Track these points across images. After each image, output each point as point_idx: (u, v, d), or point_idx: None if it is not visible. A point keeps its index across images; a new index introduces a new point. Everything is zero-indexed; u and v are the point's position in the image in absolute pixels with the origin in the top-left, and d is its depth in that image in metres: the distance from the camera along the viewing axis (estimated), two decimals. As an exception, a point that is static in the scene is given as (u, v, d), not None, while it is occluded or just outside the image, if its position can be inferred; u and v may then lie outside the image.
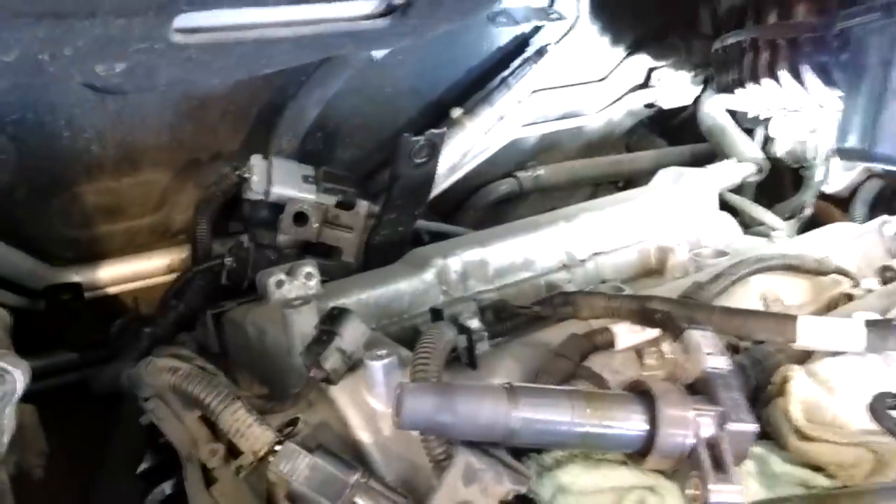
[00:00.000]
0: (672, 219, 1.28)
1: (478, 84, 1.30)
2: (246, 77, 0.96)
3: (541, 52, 1.28)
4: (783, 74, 1.08)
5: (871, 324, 0.79)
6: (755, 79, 1.15)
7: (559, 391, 0.67)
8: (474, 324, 0.86)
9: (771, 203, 1.49)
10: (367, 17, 0.76)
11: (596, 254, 1.20)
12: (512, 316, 0.97)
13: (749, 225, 1.44)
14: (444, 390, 0.62)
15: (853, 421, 0.75)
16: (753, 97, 1.21)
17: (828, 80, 1.03)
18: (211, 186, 1.21)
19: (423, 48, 1.17)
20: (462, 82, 1.29)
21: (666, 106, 1.62)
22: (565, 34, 1.31)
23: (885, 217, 1.16)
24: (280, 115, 1.14)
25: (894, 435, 0.69)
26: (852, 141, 0.89)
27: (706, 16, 1.38)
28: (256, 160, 1.11)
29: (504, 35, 1.28)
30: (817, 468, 0.75)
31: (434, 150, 1.04)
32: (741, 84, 1.21)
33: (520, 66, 1.28)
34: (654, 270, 1.24)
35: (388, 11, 0.76)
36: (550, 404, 0.64)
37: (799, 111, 1.18)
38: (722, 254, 1.21)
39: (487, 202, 1.51)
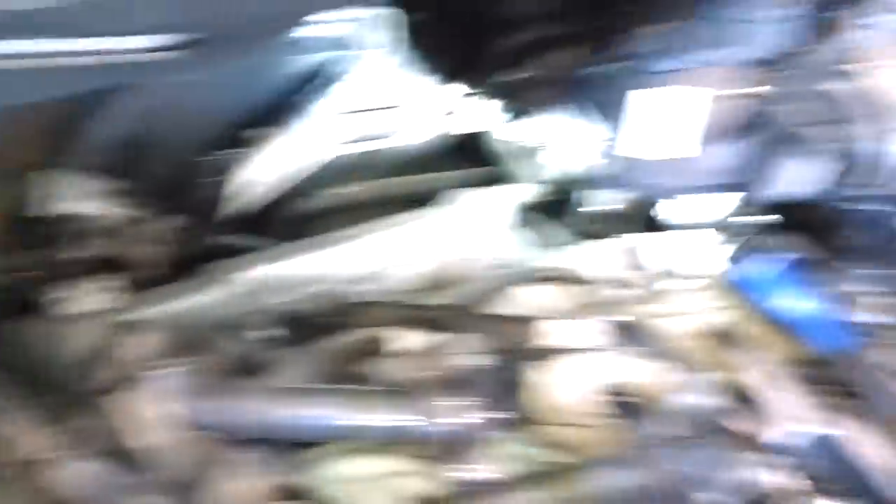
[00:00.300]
0: (465, 235, 1.42)
1: (283, 106, 1.36)
2: (38, 100, 0.96)
3: (343, 78, 1.36)
4: (552, 109, 1.24)
5: (602, 323, 0.95)
6: (530, 112, 1.30)
7: (326, 388, 0.76)
8: (262, 333, 0.93)
9: (553, 221, 1.67)
10: (156, 50, 0.80)
11: (389, 267, 1.31)
12: (301, 326, 1.04)
13: (533, 241, 1.61)
14: (217, 392, 0.69)
15: (588, 408, 0.90)
16: (535, 127, 1.37)
17: (589, 115, 1.19)
18: (8, 202, 1.19)
19: (226, 71, 1.22)
20: (267, 104, 1.35)
21: (468, 131, 1.76)
22: (368, 62, 1.41)
23: (630, 234, 1.36)
24: (79, 131, 1.15)
25: (615, 415, 0.84)
26: (600, 170, 1.04)
27: (506, 50, 1.53)
28: (53, 176, 1.11)
29: (307, 60, 1.35)
30: (557, 449, 0.89)
31: (229, 169, 1.10)
32: (523, 115, 1.36)
33: (324, 90, 1.36)
34: (447, 282, 1.36)
35: (178, 46, 0.81)
36: (318, 401, 0.73)
37: (574, 140, 1.34)
38: (505, 267, 1.35)
39: (297, 218, 1.56)
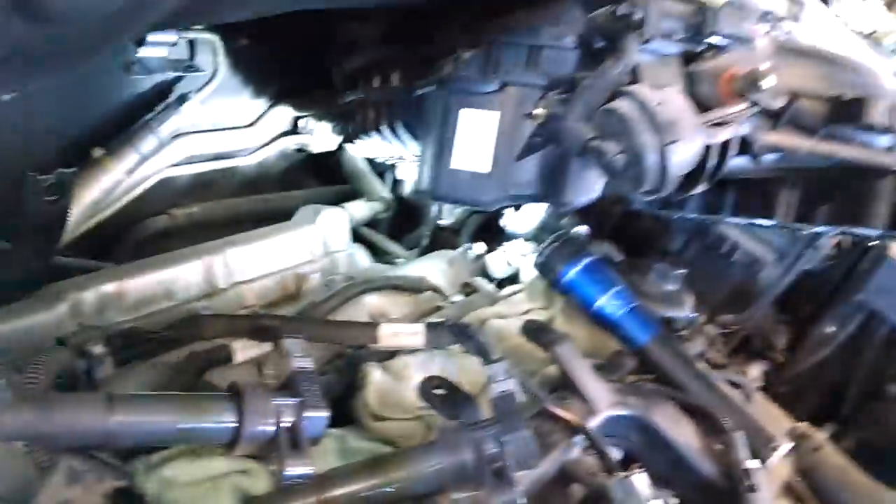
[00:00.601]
0: (309, 250, 1.46)
1: (121, 126, 1.35)
2: None
3: (183, 99, 1.38)
4: (384, 129, 1.31)
5: (430, 326, 1.02)
6: (367, 132, 1.37)
7: (156, 396, 0.78)
8: (97, 349, 0.93)
9: (400, 235, 1.75)
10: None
11: (237, 283, 1.33)
12: (142, 341, 1.05)
13: (382, 254, 1.68)
14: (41, 403, 0.70)
15: (414, 403, 0.97)
16: (370, 147, 1.43)
17: (415, 135, 1.27)
18: None
19: (59, 90, 1.21)
20: (104, 124, 1.33)
21: (314, 150, 1.81)
22: (207, 83, 1.43)
23: (468, 244, 1.46)
24: None
25: (435, 408, 0.91)
26: (423, 184, 1.11)
27: (338, 74, 1.58)
28: None
29: (146, 81, 1.35)
30: (389, 442, 0.95)
31: (65, 188, 1.09)
32: (359, 136, 1.42)
33: (163, 110, 1.37)
34: (293, 296, 1.40)
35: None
36: (147, 408, 0.75)
37: (408, 157, 1.41)
38: (350, 279, 1.41)
39: (139, 239, 1.54)
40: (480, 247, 1.52)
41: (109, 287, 1.17)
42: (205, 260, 1.31)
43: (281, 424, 0.81)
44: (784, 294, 1.64)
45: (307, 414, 0.83)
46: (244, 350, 1.01)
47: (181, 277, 1.27)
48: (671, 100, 0.84)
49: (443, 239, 1.75)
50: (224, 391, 0.93)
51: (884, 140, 1.01)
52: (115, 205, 1.42)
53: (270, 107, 1.66)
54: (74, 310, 1.12)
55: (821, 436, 1.34)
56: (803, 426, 1.35)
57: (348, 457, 0.89)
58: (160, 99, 1.37)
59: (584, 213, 1.55)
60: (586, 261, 1.21)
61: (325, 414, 0.84)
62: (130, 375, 0.95)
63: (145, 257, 1.36)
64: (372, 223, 1.72)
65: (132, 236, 1.57)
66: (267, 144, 1.71)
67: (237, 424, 0.79)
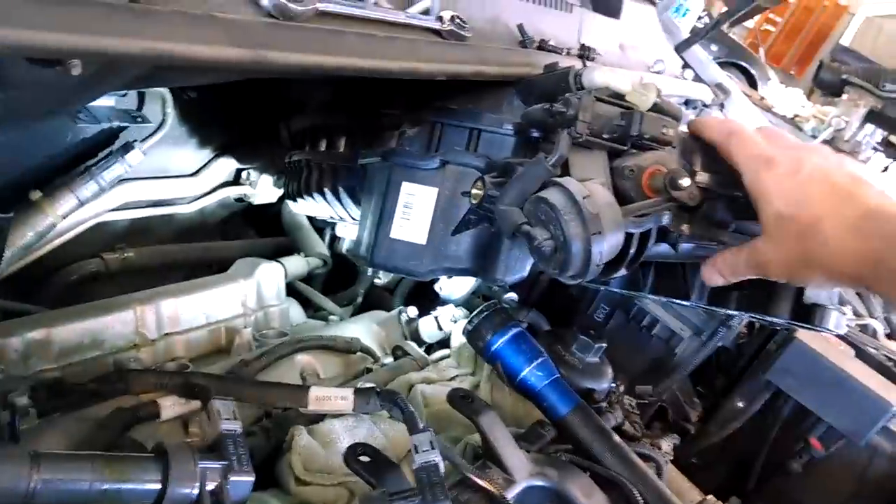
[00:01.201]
0: (243, 303, 1.47)
1: (61, 170, 1.35)
2: None
3: (127, 148, 1.39)
4: (327, 192, 1.35)
5: (358, 391, 1.05)
6: (309, 192, 1.40)
7: (81, 455, 0.78)
8: (22, 400, 0.92)
9: (335, 291, 1.78)
10: None
11: (167, 334, 1.33)
12: (68, 393, 1.04)
13: (316, 310, 1.70)
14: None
15: (339, 468, 0.98)
16: (310, 205, 1.46)
17: (356, 200, 1.31)
18: None
19: (2, 134, 1.21)
20: (45, 167, 1.33)
21: (255, 202, 1.83)
22: (152, 134, 1.44)
23: (401, 307, 1.49)
24: None
25: (359, 475, 0.93)
26: (361, 250, 1.15)
27: (285, 131, 1.62)
28: None
29: (91, 128, 1.36)
30: (309, 505, 0.96)
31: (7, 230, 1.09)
32: (301, 194, 1.45)
33: (105, 157, 1.38)
34: (224, 349, 1.41)
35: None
36: (71, 467, 0.75)
37: (344, 220, 1.45)
38: (283, 335, 1.42)
39: (70, 282, 1.53)
40: (413, 310, 1.56)
41: (36, 334, 1.15)
42: (136, 309, 1.30)
43: (206, 487, 0.82)
44: (699, 368, 1.73)
45: (233, 478, 0.84)
46: (171, 407, 1.01)
47: (111, 326, 1.25)
48: (597, 192, 0.90)
49: (377, 297, 1.78)
50: (148, 450, 0.94)
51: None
52: (46, 247, 1.41)
53: (214, 157, 1.68)
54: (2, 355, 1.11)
55: (726, 509, 1.40)
56: (710, 499, 1.42)
57: (271, 520, 0.90)
58: (105, 146, 1.38)
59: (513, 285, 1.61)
60: (513, 331, 1.26)
61: (250, 478, 0.85)
62: (54, 429, 0.94)
63: (74, 301, 1.34)
64: (308, 278, 1.74)
65: (62, 279, 1.55)
66: (208, 194, 1.73)
67: (161, 486, 0.79)
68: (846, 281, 0.81)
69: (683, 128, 1.08)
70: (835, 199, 0.80)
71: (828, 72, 5.42)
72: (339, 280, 1.84)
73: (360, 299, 1.75)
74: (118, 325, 1.26)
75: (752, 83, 7.75)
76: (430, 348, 1.51)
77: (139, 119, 1.38)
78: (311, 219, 1.84)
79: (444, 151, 1.08)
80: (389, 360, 1.37)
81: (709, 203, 1.01)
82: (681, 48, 2.05)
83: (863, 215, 0.77)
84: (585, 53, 1.25)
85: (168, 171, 1.60)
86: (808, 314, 1.12)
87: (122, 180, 1.45)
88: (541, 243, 0.88)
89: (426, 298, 1.72)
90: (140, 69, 0.76)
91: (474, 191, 1.03)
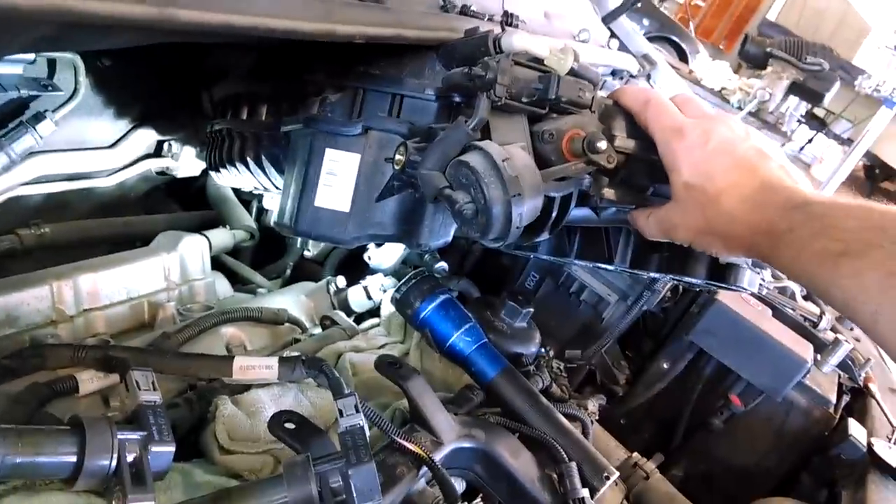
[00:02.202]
0: (166, 277, 1.44)
1: (-29, 142, 1.29)
2: None
3: (38, 118, 1.33)
4: (250, 161, 1.32)
5: (283, 360, 1.04)
6: (232, 162, 1.37)
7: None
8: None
9: (263, 264, 1.75)
10: None
11: (87, 310, 1.29)
12: (-18, 368, 1.01)
13: (244, 283, 1.68)
14: None
15: (265, 436, 0.98)
16: (234, 176, 1.44)
17: (280, 169, 1.28)
18: None
19: None
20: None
21: (178, 175, 1.78)
22: (64, 104, 1.39)
23: (330, 277, 1.49)
24: None
25: (285, 442, 0.92)
26: (285, 219, 1.13)
27: (207, 101, 1.57)
28: None
29: (3, 97, 1.30)
30: (236, 475, 0.95)
31: None
32: (224, 165, 1.42)
33: (15, 128, 1.32)
34: (147, 324, 1.37)
35: None
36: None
37: (269, 190, 1.43)
38: (208, 308, 1.40)
39: (-17, 259, 1.47)
40: (341, 280, 1.55)
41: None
42: (53, 285, 1.26)
43: (125, 459, 0.80)
44: (628, 332, 1.78)
45: (153, 448, 0.82)
46: (90, 381, 0.98)
47: (26, 302, 1.21)
48: (517, 155, 0.90)
49: (306, 270, 1.77)
50: (68, 423, 0.91)
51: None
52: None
53: (133, 128, 1.63)
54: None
55: (650, 465, 1.45)
56: (635, 456, 1.47)
57: (194, 490, 0.89)
58: (14, 117, 1.32)
59: (446, 251, 1.61)
60: (441, 298, 1.27)
61: (170, 448, 0.84)
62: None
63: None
64: (235, 252, 1.71)
65: (-29, 257, 1.49)
66: (128, 166, 1.67)
67: (77, 459, 0.78)
68: (742, 250, 0.85)
69: (603, 93, 1.09)
70: (737, 172, 0.83)
71: (753, 45, 5.59)
72: (267, 253, 1.81)
73: (288, 272, 1.74)
74: (33, 300, 1.22)
75: (683, 57, 7.93)
76: (360, 318, 1.51)
77: (49, 88, 1.32)
78: (237, 192, 1.81)
79: (367, 117, 1.07)
80: (318, 330, 1.36)
81: (628, 167, 1.03)
82: (608, 19, 2.07)
83: (759, 187, 0.81)
84: (508, 20, 1.25)
85: (84, 143, 1.54)
86: (723, 274, 1.16)
87: (34, 153, 1.39)
88: (462, 206, 0.89)
89: (356, 269, 1.71)
90: (42, 28, 0.73)
91: (397, 156, 1.03)
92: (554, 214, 1.02)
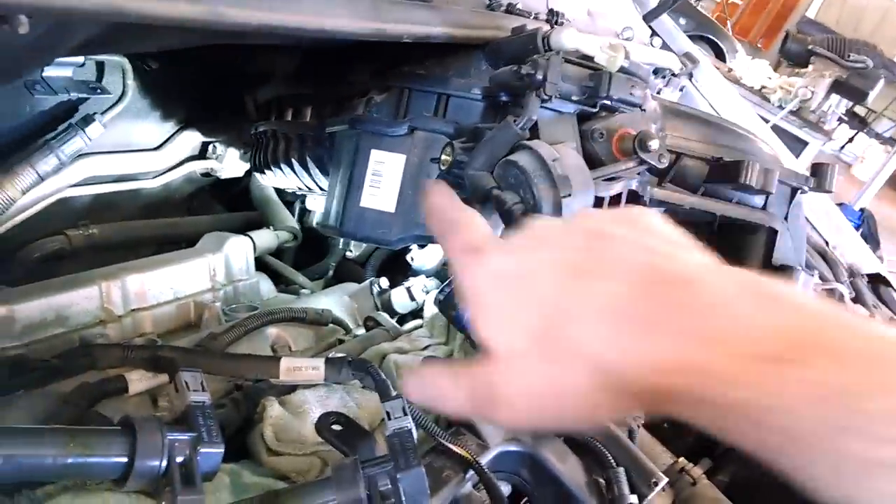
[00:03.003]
0: (212, 278, 1.44)
1: (19, 144, 1.32)
2: None
3: (87, 120, 1.35)
4: (294, 163, 1.32)
5: (329, 361, 1.04)
6: (276, 163, 1.38)
7: (43, 429, 0.76)
8: (-10, 375, 0.90)
9: (305, 265, 1.76)
10: None
11: (134, 310, 1.30)
12: (31, 370, 1.02)
13: (287, 284, 1.68)
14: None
15: (312, 438, 0.97)
16: (278, 177, 1.44)
17: (325, 170, 1.29)
18: None
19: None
20: (2, 141, 1.29)
21: (222, 176, 1.80)
22: (112, 106, 1.41)
23: (373, 278, 1.49)
24: None
25: (332, 444, 0.92)
26: (330, 220, 1.14)
27: (251, 103, 1.59)
28: None
29: (49, 101, 1.32)
30: (283, 477, 0.95)
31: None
32: (268, 166, 1.43)
33: (65, 130, 1.34)
34: (193, 324, 1.38)
35: None
36: (31, 441, 0.73)
37: (313, 191, 1.43)
38: (253, 309, 1.40)
39: (33, 259, 1.50)
40: (384, 281, 1.55)
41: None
42: (101, 285, 1.27)
43: (174, 460, 0.80)
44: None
45: (202, 449, 0.82)
46: (139, 381, 0.99)
47: (75, 302, 1.23)
48: (567, 155, 0.89)
49: (348, 271, 1.77)
50: (116, 424, 0.92)
51: (757, 199, 1.11)
52: (7, 223, 1.37)
53: (179, 130, 1.65)
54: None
55: (697, 471, 1.42)
56: (682, 461, 1.43)
57: (242, 492, 0.89)
58: (64, 119, 1.34)
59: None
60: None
61: (220, 449, 0.84)
62: (17, 405, 0.92)
63: (38, 279, 1.31)
64: (277, 252, 1.72)
65: (24, 256, 1.51)
66: (173, 168, 1.69)
67: (129, 459, 0.78)
68: None
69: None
70: None
71: (794, 42, 5.47)
72: (309, 254, 1.82)
73: (331, 272, 1.74)
74: (83, 300, 1.23)
75: (721, 56, 7.82)
76: (402, 319, 1.50)
77: (98, 91, 1.34)
78: (280, 193, 1.82)
79: (413, 117, 1.07)
80: (361, 331, 1.36)
81: (679, 166, 1.01)
82: (649, 17, 2.04)
83: None
84: (553, 18, 1.24)
85: (131, 145, 1.56)
86: (776, 276, 1.13)
87: (83, 154, 1.42)
88: (511, 207, 0.88)
89: (398, 270, 1.70)
90: (91, 30, 0.74)
91: (443, 157, 1.02)
92: (603, 215, 1.00)
